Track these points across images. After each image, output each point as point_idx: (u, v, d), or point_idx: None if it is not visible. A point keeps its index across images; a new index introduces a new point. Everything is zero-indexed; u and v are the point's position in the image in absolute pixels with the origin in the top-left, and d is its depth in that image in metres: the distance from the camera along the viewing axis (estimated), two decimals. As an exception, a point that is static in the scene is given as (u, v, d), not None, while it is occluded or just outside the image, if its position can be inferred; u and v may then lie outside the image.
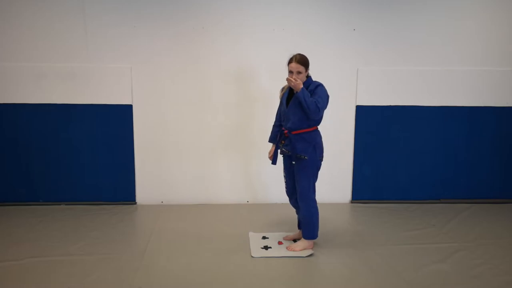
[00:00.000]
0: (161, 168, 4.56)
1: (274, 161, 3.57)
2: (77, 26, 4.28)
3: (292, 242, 3.62)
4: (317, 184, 3.46)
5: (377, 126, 4.60)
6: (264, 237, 3.72)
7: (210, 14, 4.35)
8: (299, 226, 3.64)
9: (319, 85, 3.31)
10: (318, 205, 3.45)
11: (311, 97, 3.21)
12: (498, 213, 4.43)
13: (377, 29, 4.44)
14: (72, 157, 4.48)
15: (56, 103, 4.38)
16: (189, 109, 4.49)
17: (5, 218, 4.15)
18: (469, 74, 4.56)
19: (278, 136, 3.52)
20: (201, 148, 4.56)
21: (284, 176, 3.58)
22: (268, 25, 4.38)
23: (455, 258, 3.38)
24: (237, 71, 4.45)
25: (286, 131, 3.39)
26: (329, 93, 3.33)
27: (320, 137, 3.42)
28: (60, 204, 4.50)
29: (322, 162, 3.45)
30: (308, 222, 3.43)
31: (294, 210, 3.69)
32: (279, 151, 3.54)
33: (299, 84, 3.18)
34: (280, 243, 3.61)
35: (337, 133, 4.54)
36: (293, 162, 3.38)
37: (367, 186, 4.68)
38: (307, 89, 3.29)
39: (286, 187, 3.60)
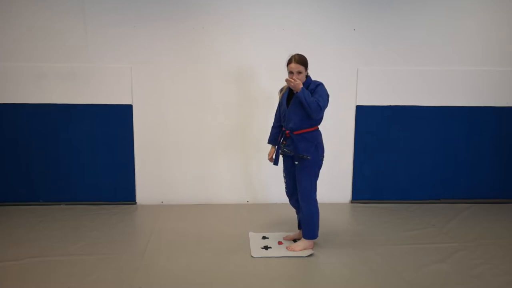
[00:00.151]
0: (161, 168, 4.56)
1: (276, 162, 3.57)
2: (77, 26, 4.28)
3: (292, 242, 3.62)
4: (317, 184, 3.46)
5: (377, 126, 4.60)
6: (264, 237, 3.72)
7: (210, 14, 4.35)
8: (299, 226, 3.64)
9: (319, 84, 3.31)
10: (318, 205, 3.45)
11: (311, 97, 3.21)
12: (498, 213, 4.43)
13: (377, 29, 4.44)
14: (72, 157, 4.48)
15: (56, 103, 4.38)
16: (189, 109, 4.49)
17: (5, 218, 4.15)
18: (469, 74, 4.56)
19: (280, 137, 3.51)
20: (201, 148, 4.56)
21: (284, 176, 3.58)
22: (268, 25, 4.38)
23: (455, 258, 3.38)
24: (237, 71, 4.45)
25: (287, 132, 3.39)
26: (329, 93, 3.33)
27: (321, 137, 3.43)
28: (60, 204, 4.50)
29: (323, 161, 3.45)
30: (308, 221, 3.43)
31: (294, 210, 3.69)
32: (280, 151, 3.53)
33: (298, 85, 3.18)
34: (280, 243, 3.61)
35: (337, 133, 4.54)
36: (296, 162, 3.38)
37: (367, 186, 4.68)
38: (307, 88, 3.29)
39: (286, 187, 3.60)
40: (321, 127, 3.43)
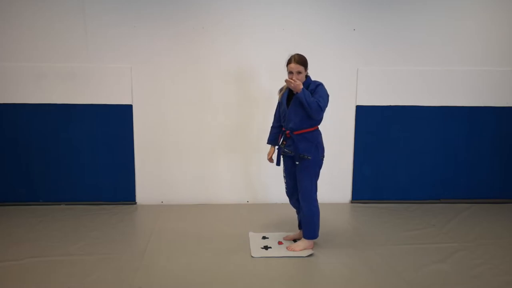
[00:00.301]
0: (161, 168, 4.56)
1: (278, 162, 3.56)
2: (77, 26, 4.28)
3: (292, 242, 3.62)
4: (317, 184, 3.46)
5: (377, 126, 4.60)
6: (264, 237, 3.72)
7: (210, 14, 4.35)
8: (300, 226, 3.64)
9: (319, 85, 3.31)
10: (318, 205, 3.45)
11: (312, 97, 3.21)
12: (498, 213, 4.43)
13: (377, 29, 4.44)
14: (72, 157, 4.48)
15: (56, 103, 4.38)
16: (189, 109, 4.49)
17: (5, 218, 4.15)
18: (469, 74, 4.56)
19: (280, 137, 3.51)
20: (201, 148, 4.56)
21: (284, 176, 3.58)
22: (268, 25, 4.38)
23: (455, 258, 3.38)
24: (237, 71, 4.45)
25: (288, 132, 3.38)
26: (329, 93, 3.33)
27: (321, 136, 3.43)
28: (60, 204, 4.50)
29: (323, 161, 3.45)
30: (309, 221, 3.43)
31: (294, 210, 3.69)
32: (281, 151, 3.53)
33: (299, 85, 3.17)
34: (280, 243, 3.61)
35: (337, 133, 4.54)
36: (297, 163, 3.38)
37: (367, 186, 4.68)
38: (307, 88, 3.29)
39: (286, 188, 3.60)
40: (321, 127, 3.43)
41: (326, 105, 3.27)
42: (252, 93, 4.49)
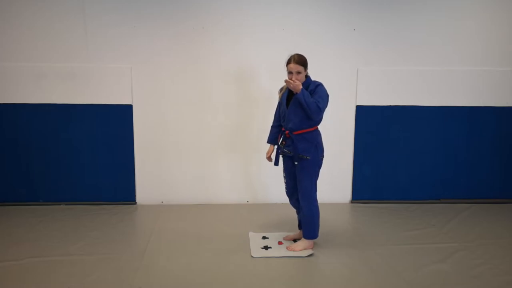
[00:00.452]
0: (161, 168, 4.56)
1: (276, 162, 3.56)
2: (77, 26, 4.28)
3: (292, 242, 3.62)
4: (317, 184, 3.46)
5: (377, 126, 4.60)
6: (264, 237, 3.72)
7: (210, 14, 4.35)
8: (300, 226, 3.64)
9: (319, 85, 3.31)
10: (318, 205, 3.45)
11: (311, 98, 3.20)
12: (498, 213, 4.43)
13: (377, 29, 4.44)
14: (72, 157, 4.48)
15: (56, 103, 4.38)
16: (189, 109, 4.49)
17: (5, 218, 4.15)
18: (469, 74, 4.56)
19: (280, 137, 3.51)
20: (201, 148, 4.56)
21: (284, 176, 3.58)
22: (268, 25, 4.38)
23: (455, 258, 3.38)
24: (237, 71, 4.45)
25: (287, 132, 3.38)
26: (329, 93, 3.33)
27: (321, 136, 3.42)
28: (60, 204, 4.50)
29: (323, 161, 3.45)
30: (309, 221, 3.43)
31: (294, 210, 3.69)
32: (280, 151, 3.53)
33: (298, 86, 3.17)
34: (280, 243, 3.61)
35: (337, 133, 4.54)
36: (296, 163, 3.38)
37: (367, 186, 4.68)
38: (307, 89, 3.29)
39: (286, 187, 3.60)
40: (321, 127, 3.43)
41: (325, 106, 3.27)
42: (252, 93, 4.49)
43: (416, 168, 4.67)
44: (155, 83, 4.43)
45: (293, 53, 3.32)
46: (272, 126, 3.60)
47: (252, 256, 3.38)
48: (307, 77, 3.36)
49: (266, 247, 3.53)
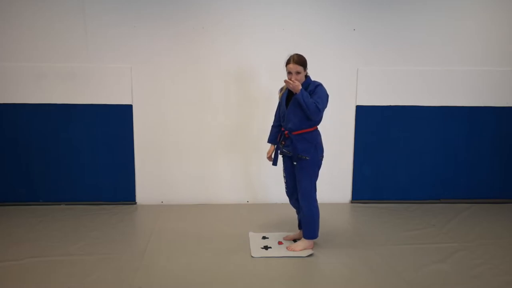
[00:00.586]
0: (161, 168, 4.56)
1: (275, 162, 3.57)
2: (77, 26, 4.28)
3: (292, 242, 3.62)
4: (317, 184, 3.46)
5: (377, 126, 4.60)
6: (264, 237, 3.72)
7: (210, 14, 4.35)
8: (300, 226, 3.64)
9: (319, 85, 3.30)
10: (318, 205, 3.45)
11: (310, 98, 3.20)
12: (498, 213, 4.43)
13: (377, 29, 4.44)
14: (72, 157, 4.48)
15: (56, 103, 4.38)
16: (189, 109, 4.49)
17: (5, 218, 4.14)
18: (469, 74, 4.56)
19: (279, 137, 3.51)
20: (201, 148, 4.56)
21: (284, 176, 3.58)
22: (268, 25, 4.38)
23: (455, 258, 3.38)
24: (237, 71, 4.45)
25: (286, 132, 3.38)
26: (329, 93, 3.33)
27: (320, 137, 3.42)
28: (60, 204, 4.50)
29: (322, 161, 3.45)
30: (309, 221, 3.42)
31: (294, 210, 3.69)
32: (279, 151, 3.53)
33: (297, 86, 3.17)
34: (280, 243, 3.61)
35: (337, 133, 4.54)
36: (295, 163, 3.38)
37: (367, 186, 4.68)
38: (306, 89, 3.28)
39: (286, 187, 3.60)
40: (321, 127, 3.43)
41: (324, 107, 3.27)
42: (252, 93, 4.49)
43: (416, 168, 4.67)
44: (155, 83, 4.43)
45: (293, 53, 3.32)
46: (272, 126, 3.60)
47: (252, 256, 3.38)
48: (307, 77, 3.36)
49: (266, 247, 3.53)
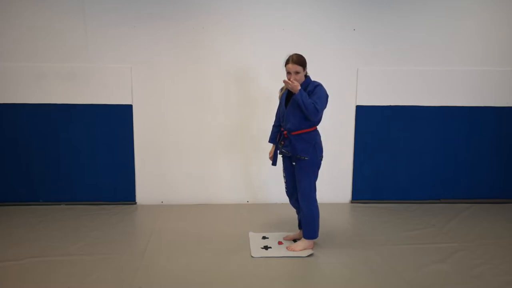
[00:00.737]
0: (161, 168, 4.56)
1: (274, 162, 3.57)
2: (77, 26, 4.28)
3: (292, 242, 3.62)
4: (317, 184, 3.46)
5: (377, 126, 4.60)
6: (264, 237, 3.72)
7: (210, 14, 4.35)
8: (300, 226, 3.64)
9: (318, 85, 3.29)
10: (318, 205, 3.45)
11: (309, 98, 3.20)
12: (498, 213, 4.43)
13: (377, 29, 4.44)
14: (72, 157, 4.48)
15: (56, 103, 4.38)
16: (189, 109, 4.49)
17: (5, 218, 4.14)
18: (469, 74, 4.56)
19: (278, 137, 3.51)
20: (201, 148, 4.56)
21: (284, 176, 3.58)
22: (268, 25, 4.38)
23: (455, 258, 3.38)
24: (237, 71, 4.45)
25: (285, 132, 3.38)
26: (329, 93, 3.32)
27: (320, 137, 3.42)
28: (60, 204, 4.50)
29: (322, 161, 3.44)
30: (309, 221, 3.42)
31: (294, 210, 3.69)
32: (278, 151, 3.53)
33: (296, 86, 3.16)
34: (280, 243, 3.61)
35: (337, 133, 4.54)
36: (294, 163, 3.38)
37: (367, 186, 4.68)
38: (306, 89, 3.28)
39: (286, 187, 3.60)
40: (321, 127, 3.43)
41: (323, 107, 3.26)
42: (252, 93, 4.49)
43: (416, 168, 4.67)
44: (155, 83, 4.43)
45: (292, 53, 3.32)
46: (273, 126, 3.60)
47: (252, 256, 3.38)
48: (306, 77, 3.35)
49: (266, 247, 3.53)
